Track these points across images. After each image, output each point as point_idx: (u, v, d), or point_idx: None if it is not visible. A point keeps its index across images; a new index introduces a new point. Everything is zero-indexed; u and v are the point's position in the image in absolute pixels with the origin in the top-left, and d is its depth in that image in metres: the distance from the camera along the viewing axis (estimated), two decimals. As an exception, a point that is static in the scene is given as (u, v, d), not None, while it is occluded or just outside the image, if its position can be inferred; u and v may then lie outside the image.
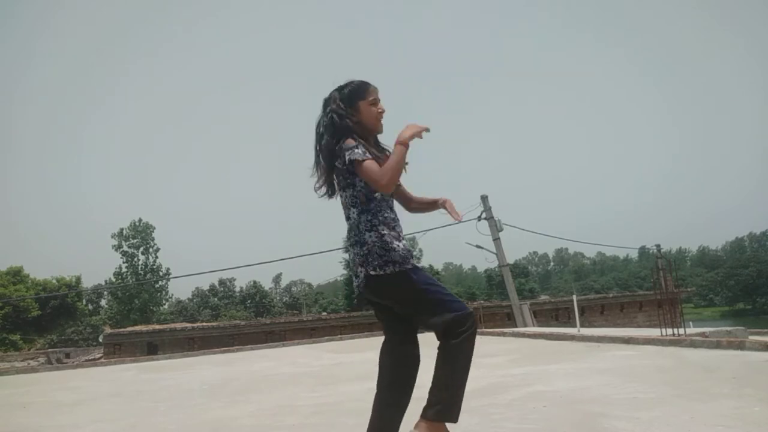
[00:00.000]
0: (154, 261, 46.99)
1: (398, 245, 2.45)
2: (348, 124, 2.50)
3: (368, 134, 2.57)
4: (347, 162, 2.42)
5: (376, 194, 2.50)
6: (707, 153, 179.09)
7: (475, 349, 2.39)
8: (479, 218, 19.66)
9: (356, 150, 2.41)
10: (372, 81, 2.61)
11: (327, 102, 2.59)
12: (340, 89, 2.58)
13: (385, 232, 2.46)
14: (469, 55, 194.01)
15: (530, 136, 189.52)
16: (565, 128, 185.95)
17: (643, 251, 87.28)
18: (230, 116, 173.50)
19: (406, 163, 2.44)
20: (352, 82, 2.57)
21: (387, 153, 2.55)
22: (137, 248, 46.64)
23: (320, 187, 2.63)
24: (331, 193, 2.63)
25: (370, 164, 2.38)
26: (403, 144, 2.37)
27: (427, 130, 2.43)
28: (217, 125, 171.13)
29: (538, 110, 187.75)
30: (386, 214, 2.52)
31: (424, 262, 67.59)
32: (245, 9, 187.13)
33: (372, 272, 2.43)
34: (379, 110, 2.56)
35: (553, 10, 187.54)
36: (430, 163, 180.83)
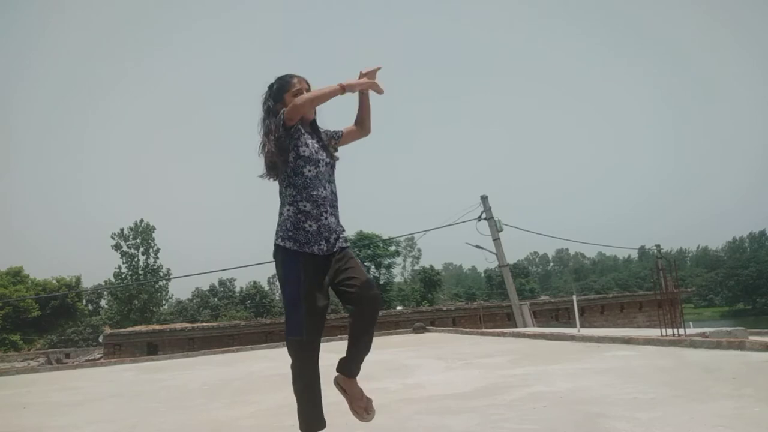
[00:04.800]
0: (155, 261, 46.96)
1: None
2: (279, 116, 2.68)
3: (303, 122, 2.74)
4: (284, 126, 2.64)
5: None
6: (707, 153, 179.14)
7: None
8: (479, 218, 19.67)
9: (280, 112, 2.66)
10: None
11: (263, 101, 2.79)
12: (270, 87, 2.79)
13: None
14: (469, 55, 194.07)
15: (531, 136, 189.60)
16: (565, 128, 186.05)
17: (643, 251, 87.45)
18: (231, 116, 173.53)
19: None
20: (279, 78, 2.78)
21: (323, 133, 2.81)
22: (137, 248, 46.59)
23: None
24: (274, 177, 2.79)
25: (290, 102, 2.64)
26: (341, 87, 2.60)
27: (375, 74, 2.70)
28: (217, 125, 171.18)
29: (539, 110, 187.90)
30: None
31: (424, 262, 67.83)
32: (245, 10, 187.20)
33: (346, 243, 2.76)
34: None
35: (554, 9, 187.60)
36: (431, 164, 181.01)
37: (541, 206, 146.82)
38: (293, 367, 2.63)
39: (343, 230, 2.75)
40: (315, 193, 2.61)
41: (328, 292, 2.65)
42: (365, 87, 2.73)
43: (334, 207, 2.71)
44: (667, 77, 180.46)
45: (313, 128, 2.81)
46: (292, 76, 2.75)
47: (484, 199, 19.66)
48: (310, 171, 2.64)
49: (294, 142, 2.65)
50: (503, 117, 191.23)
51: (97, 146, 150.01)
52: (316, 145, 2.72)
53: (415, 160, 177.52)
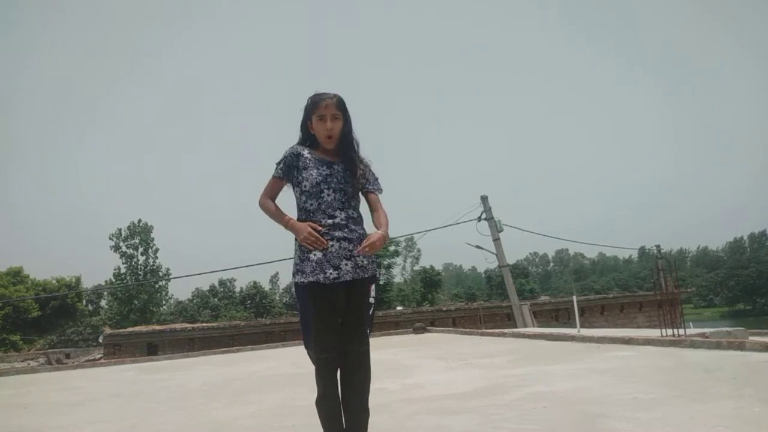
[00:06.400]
0: (154, 261, 46.99)
1: None
2: (306, 133, 2.75)
3: (321, 149, 2.74)
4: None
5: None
6: (707, 153, 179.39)
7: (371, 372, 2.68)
8: (479, 218, 19.67)
9: (278, 164, 2.73)
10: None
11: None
12: (307, 102, 2.73)
13: None
14: (469, 55, 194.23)
15: (531, 136, 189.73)
16: (565, 128, 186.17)
17: (643, 252, 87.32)
18: (230, 116, 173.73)
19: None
20: (313, 98, 2.70)
21: (358, 164, 2.71)
22: (136, 249, 46.61)
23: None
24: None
25: (269, 182, 2.75)
26: (286, 222, 2.64)
27: (318, 245, 2.57)
28: (217, 125, 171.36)
29: (539, 110, 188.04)
30: None
31: (424, 263, 67.78)
32: (245, 11, 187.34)
33: (375, 272, 2.69)
34: (326, 128, 2.66)
35: (555, 9, 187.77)
36: (431, 164, 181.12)
37: (541, 206, 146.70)
38: (315, 375, 2.65)
39: (366, 255, 2.62)
40: (321, 227, 2.59)
41: (338, 314, 2.60)
42: (299, 238, 2.58)
43: (351, 231, 2.61)
44: (668, 77, 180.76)
45: (339, 153, 2.72)
46: (323, 100, 2.65)
47: (484, 199, 19.66)
48: (312, 204, 2.63)
49: (298, 177, 2.68)
50: (503, 117, 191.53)
51: (97, 146, 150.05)
52: (323, 174, 2.64)
53: (415, 160, 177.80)
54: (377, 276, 2.72)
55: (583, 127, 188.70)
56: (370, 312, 2.70)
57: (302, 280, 2.59)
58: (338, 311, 2.58)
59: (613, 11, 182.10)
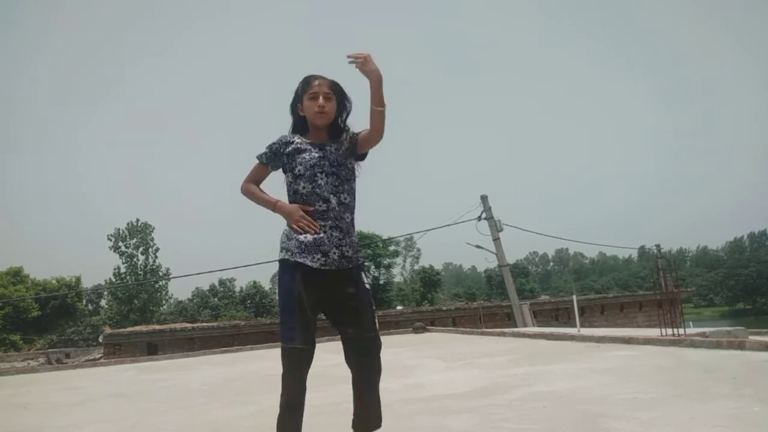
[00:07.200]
0: (154, 261, 46.96)
1: None
2: (296, 117, 2.70)
3: (315, 127, 2.66)
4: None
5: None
6: (707, 153, 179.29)
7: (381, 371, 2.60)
8: (479, 218, 19.68)
9: (265, 148, 2.67)
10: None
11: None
12: (298, 86, 2.69)
13: None
14: (468, 54, 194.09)
15: (530, 135, 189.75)
16: (565, 128, 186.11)
17: (643, 251, 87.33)
18: (230, 116, 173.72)
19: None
20: (303, 79, 2.67)
21: (347, 138, 2.65)
22: (136, 248, 46.59)
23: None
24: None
25: (253, 168, 2.71)
26: (273, 205, 2.61)
27: (301, 229, 2.52)
28: (217, 125, 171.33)
29: (539, 110, 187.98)
30: None
31: (424, 262, 67.80)
32: (245, 11, 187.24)
33: (360, 263, 2.63)
34: (318, 105, 2.59)
35: (553, 9, 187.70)
36: (431, 163, 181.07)
37: (541, 206, 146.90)
38: (282, 377, 2.49)
39: (352, 245, 2.56)
40: (311, 208, 2.53)
41: (318, 308, 2.54)
42: (291, 221, 2.54)
43: (340, 219, 2.54)
44: (668, 77, 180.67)
45: (329, 134, 2.66)
46: (314, 78, 2.61)
47: (484, 198, 19.67)
48: (305, 188, 2.55)
49: (290, 163, 2.60)
50: (503, 117, 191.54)
51: (97, 146, 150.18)
52: (316, 157, 2.57)
53: (415, 160, 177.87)
54: (363, 266, 2.65)
55: (583, 127, 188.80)
56: (371, 301, 2.60)
57: (288, 256, 2.50)
58: (317, 298, 2.50)
59: (612, 11, 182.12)
